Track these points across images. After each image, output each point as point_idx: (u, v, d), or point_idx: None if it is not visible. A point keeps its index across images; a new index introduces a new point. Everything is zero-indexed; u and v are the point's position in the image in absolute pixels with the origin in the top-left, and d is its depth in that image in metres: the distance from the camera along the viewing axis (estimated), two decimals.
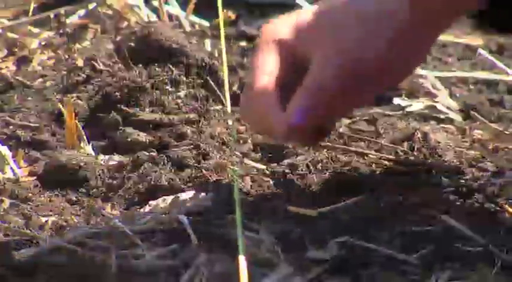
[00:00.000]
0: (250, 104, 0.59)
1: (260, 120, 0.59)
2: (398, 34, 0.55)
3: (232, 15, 1.21)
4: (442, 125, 0.93)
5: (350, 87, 0.60)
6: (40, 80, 0.95)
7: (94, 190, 0.73)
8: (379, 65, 0.59)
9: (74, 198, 0.72)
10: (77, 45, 1.05)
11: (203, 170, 0.72)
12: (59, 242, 0.56)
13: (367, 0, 0.54)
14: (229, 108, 0.73)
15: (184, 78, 0.88)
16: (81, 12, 1.10)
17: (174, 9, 1.19)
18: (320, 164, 0.72)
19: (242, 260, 0.44)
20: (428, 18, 0.56)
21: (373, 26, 0.54)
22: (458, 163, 0.79)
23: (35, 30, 1.11)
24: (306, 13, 0.59)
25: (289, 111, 0.56)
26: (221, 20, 0.72)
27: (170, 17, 1.14)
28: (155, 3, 1.18)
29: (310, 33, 0.56)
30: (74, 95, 0.87)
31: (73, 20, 1.10)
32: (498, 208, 0.67)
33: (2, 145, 0.76)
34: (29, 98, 0.89)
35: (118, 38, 1.01)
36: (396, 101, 0.97)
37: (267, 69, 0.57)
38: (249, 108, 0.56)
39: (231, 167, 0.70)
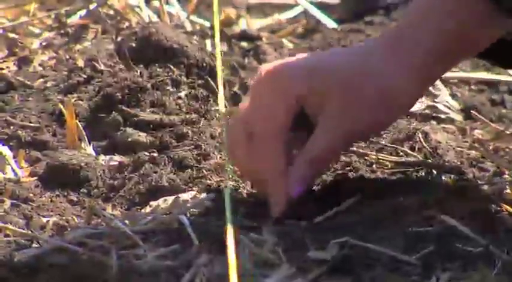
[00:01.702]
0: (253, 160, 0.55)
1: (260, 181, 0.59)
2: (410, 105, 0.59)
3: (232, 15, 1.21)
4: (442, 125, 0.93)
5: (350, 146, 0.64)
6: (41, 80, 0.96)
7: (95, 190, 0.73)
8: (387, 125, 0.63)
9: (75, 199, 0.72)
10: (78, 46, 1.06)
11: (204, 171, 0.72)
12: (60, 243, 0.56)
13: (385, 74, 0.54)
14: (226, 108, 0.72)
15: (185, 79, 0.89)
16: (82, 12, 1.11)
17: (175, 9, 1.20)
18: None
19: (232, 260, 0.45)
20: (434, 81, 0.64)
21: (390, 100, 0.55)
22: (459, 163, 0.79)
23: (36, 30, 1.11)
24: (312, 60, 0.57)
25: (291, 182, 0.56)
26: (216, 21, 0.71)
27: (171, 17, 1.15)
28: (156, 4, 1.19)
29: (320, 86, 0.54)
30: (75, 95, 0.87)
31: (74, 20, 1.10)
32: (498, 208, 0.67)
33: (3, 145, 0.76)
34: (30, 99, 0.89)
35: (119, 39, 1.01)
36: None
37: (276, 124, 0.55)
38: (250, 162, 0.55)
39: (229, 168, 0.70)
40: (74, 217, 0.67)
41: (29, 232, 0.60)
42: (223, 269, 0.49)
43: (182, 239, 0.56)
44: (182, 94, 0.88)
